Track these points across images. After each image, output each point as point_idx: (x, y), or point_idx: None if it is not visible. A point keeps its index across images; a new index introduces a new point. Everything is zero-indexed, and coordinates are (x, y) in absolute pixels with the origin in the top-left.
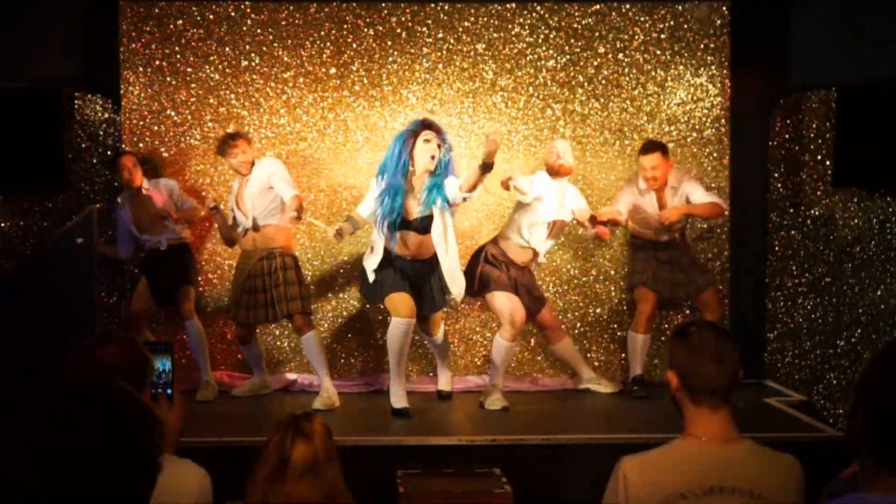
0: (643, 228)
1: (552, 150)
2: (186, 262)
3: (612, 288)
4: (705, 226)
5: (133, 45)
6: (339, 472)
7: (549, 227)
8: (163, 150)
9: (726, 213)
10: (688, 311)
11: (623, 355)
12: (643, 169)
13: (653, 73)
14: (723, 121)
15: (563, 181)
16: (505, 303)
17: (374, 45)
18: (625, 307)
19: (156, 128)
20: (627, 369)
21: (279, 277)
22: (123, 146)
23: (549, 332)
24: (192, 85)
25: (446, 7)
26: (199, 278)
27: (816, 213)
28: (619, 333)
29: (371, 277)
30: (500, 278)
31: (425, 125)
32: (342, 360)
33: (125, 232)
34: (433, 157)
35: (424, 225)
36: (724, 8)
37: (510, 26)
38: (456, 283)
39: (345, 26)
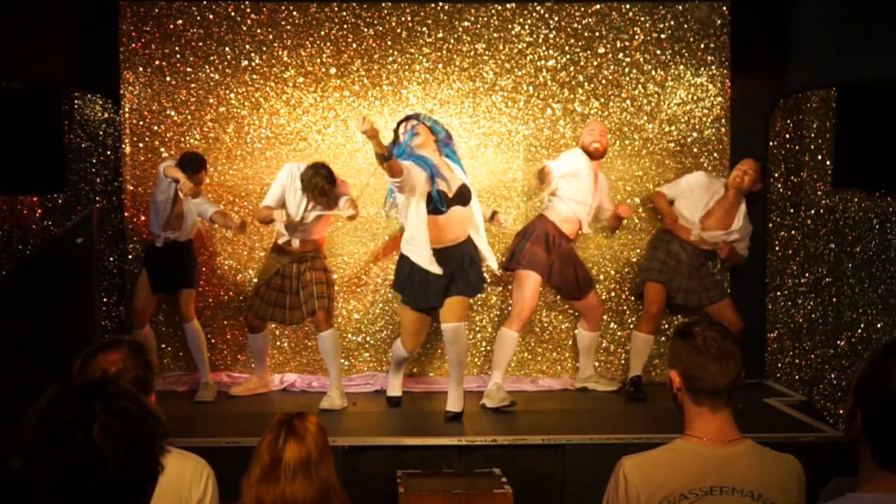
0: (683, 221)
1: (591, 132)
2: (188, 260)
3: (613, 288)
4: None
5: (133, 45)
6: (333, 470)
7: (590, 205)
8: (163, 150)
9: (742, 263)
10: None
11: (623, 355)
12: (740, 166)
13: (653, 73)
14: (723, 121)
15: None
16: (525, 288)
17: (374, 45)
18: (625, 307)
19: (156, 128)
20: (628, 368)
21: (308, 278)
22: (125, 146)
23: (589, 319)
24: (192, 85)
25: (446, 7)
26: (198, 278)
27: (816, 213)
28: (619, 334)
29: (409, 273)
30: (543, 258)
31: (406, 118)
32: (342, 361)
33: (157, 219)
34: (415, 136)
35: (464, 197)
36: (724, 8)
37: (510, 26)
38: (491, 257)
39: (345, 26)
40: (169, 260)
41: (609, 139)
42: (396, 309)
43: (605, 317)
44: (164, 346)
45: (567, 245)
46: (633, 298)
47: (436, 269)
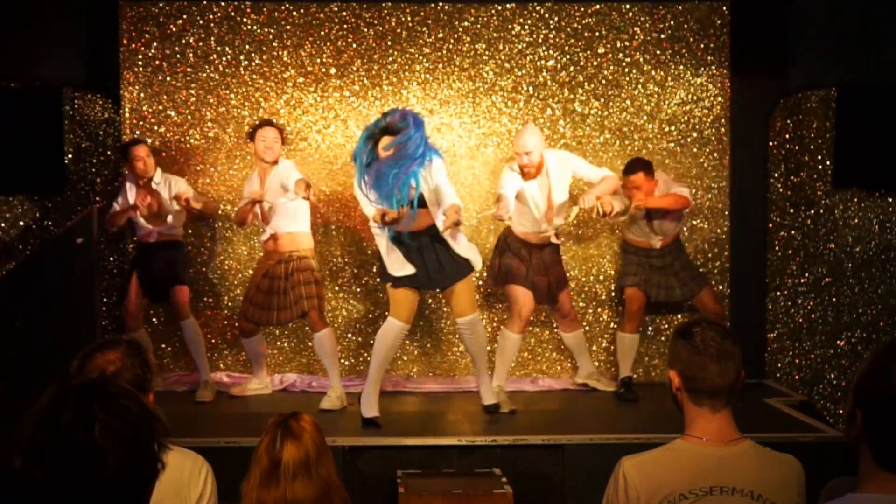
0: (636, 237)
1: (517, 153)
2: (178, 258)
3: (612, 288)
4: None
5: (133, 45)
6: (333, 468)
7: (547, 212)
8: (163, 150)
9: (692, 203)
10: (686, 312)
11: None
12: (625, 188)
13: (653, 73)
14: (723, 121)
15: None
16: (518, 295)
17: (374, 45)
18: (624, 308)
19: (156, 128)
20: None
21: (297, 279)
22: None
23: (565, 320)
24: (192, 85)
25: (446, 7)
26: (198, 278)
27: (816, 213)
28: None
29: (384, 254)
30: (519, 270)
31: (383, 130)
32: (341, 361)
33: (122, 214)
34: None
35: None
36: (724, 8)
37: (510, 26)
38: (473, 253)
39: (345, 26)
40: (159, 260)
41: (609, 139)
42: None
43: (604, 316)
44: (163, 346)
45: (540, 252)
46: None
47: (407, 269)
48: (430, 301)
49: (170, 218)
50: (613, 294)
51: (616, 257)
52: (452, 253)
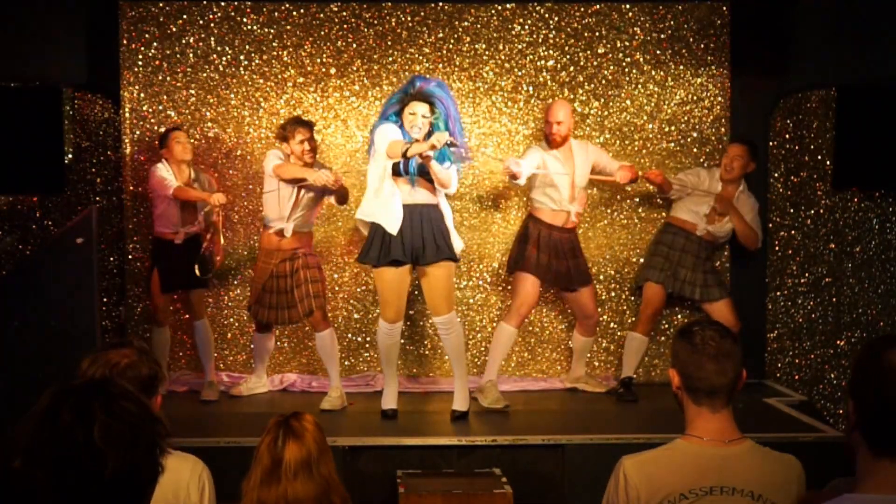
0: (685, 216)
1: (549, 120)
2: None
3: (613, 288)
4: None
5: (133, 45)
6: (333, 467)
7: (570, 190)
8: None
9: (757, 246)
10: (687, 311)
11: (622, 355)
12: (727, 155)
13: (653, 73)
14: (723, 121)
15: (567, 146)
16: (522, 287)
17: (374, 45)
18: (625, 307)
19: (156, 128)
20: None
21: (301, 277)
22: (125, 146)
23: (587, 321)
24: (192, 85)
25: (446, 7)
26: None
27: (816, 213)
28: (619, 334)
29: (373, 237)
30: (532, 259)
31: (413, 97)
32: (341, 361)
33: (171, 211)
34: (415, 128)
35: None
36: (724, 8)
37: (510, 26)
38: (457, 239)
39: (345, 26)
40: (183, 258)
41: (609, 139)
42: (372, 278)
43: (605, 317)
44: None
45: (560, 236)
46: (632, 298)
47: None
48: None
49: (196, 225)
50: (613, 294)
51: (616, 257)
52: (446, 236)
